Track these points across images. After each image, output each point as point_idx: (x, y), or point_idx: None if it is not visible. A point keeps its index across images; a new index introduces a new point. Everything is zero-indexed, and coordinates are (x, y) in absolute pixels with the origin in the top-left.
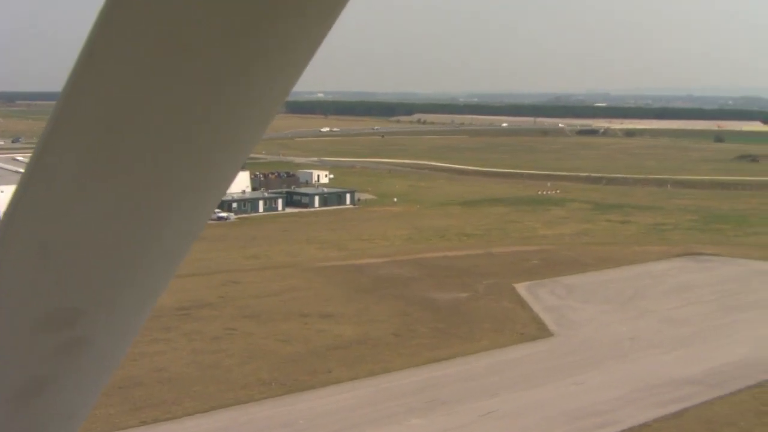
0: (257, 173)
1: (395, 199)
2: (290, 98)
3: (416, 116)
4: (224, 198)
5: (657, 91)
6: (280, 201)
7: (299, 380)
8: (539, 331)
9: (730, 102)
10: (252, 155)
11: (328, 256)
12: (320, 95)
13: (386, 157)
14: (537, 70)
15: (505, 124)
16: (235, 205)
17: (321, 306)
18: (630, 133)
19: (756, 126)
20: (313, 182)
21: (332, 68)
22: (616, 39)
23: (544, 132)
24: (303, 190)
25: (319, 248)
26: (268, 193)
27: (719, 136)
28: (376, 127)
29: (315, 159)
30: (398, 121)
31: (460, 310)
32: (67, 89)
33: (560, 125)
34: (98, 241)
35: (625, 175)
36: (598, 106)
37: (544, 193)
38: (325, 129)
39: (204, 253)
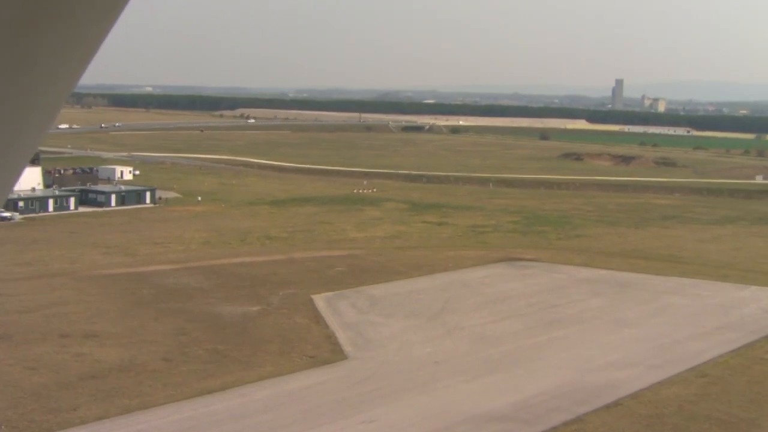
0: (53, 169)
1: (199, 198)
2: (113, 91)
3: (240, 111)
4: (10, 196)
5: (485, 89)
6: (72, 200)
7: (36, 421)
8: (332, 353)
9: (556, 101)
10: (57, 149)
11: (111, 263)
12: (149, 89)
13: (203, 152)
14: (367, 66)
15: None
16: (21, 203)
17: (88, 324)
18: (455, 130)
19: (581, 124)
20: (116, 179)
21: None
22: (443, 37)
23: (368, 128)
24: (98, 187)
25: (104, 253)
26: (60, 190)
27: (544, 134)
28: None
29: (125, 154)
30: (221, 116)
31: (247, 327)
32: None
33: (389, 122)
34: None
35: (446, 173)
36: (426, 103)
37: (360, 191)
38: (119, 124)
39: None
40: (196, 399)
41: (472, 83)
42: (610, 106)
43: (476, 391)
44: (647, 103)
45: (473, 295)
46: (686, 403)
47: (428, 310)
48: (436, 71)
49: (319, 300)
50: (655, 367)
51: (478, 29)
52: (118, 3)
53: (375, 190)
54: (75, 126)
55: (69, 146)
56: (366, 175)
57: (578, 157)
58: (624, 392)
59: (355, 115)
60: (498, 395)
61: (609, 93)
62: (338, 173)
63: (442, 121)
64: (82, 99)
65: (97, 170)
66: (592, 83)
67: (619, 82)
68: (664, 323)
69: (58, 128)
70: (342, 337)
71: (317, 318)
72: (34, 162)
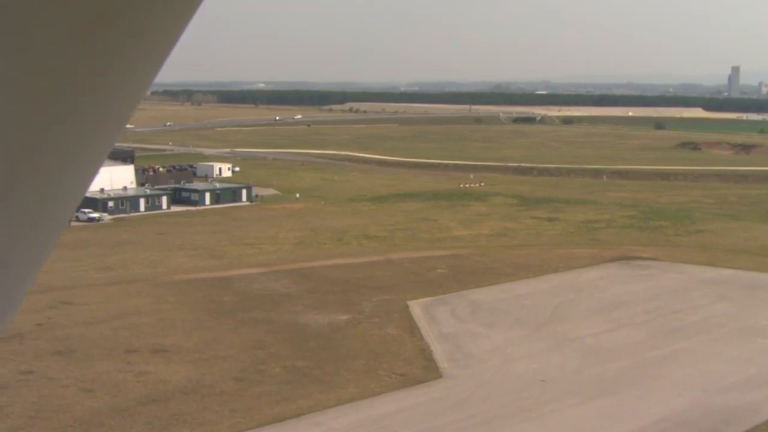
0: (148, 167)
1: (297, 195)
2: (224, 88)
3: (348, 105)
4: (100, 196)
5: (598, 79)
6: (164, 199)
7: None
8: (425, 370)
9: (671, 89)
10: (158, 146)
11: (196, 266)
12: (261, 85)
13: (308, 147)
14: (479, 59)
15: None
16: (111, 203)
17: (159, 336)
18: (567, 121)
19: (697, 112)
20: (214, 176)
21: (274, 59)
22: (557, 27)
23: (478, 120)
24: (193, 185)
25: (190, 256)
26: (152, 189)
27: (659, 123)
28: (297, 116)
29: (227, 150)
30: (330, 110)
31: (333, 340)
32: None
33: (500, 114)
34: None
35: (558, 165)
36: (538, 93)
37: (467, 186)
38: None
39: (52, 263)
40: (264, 429)
41: (585, 74)
42: (726, 93)
43: (587, 417)
44: (765, 90)
45: (585, 300)
46: None
47: (535, 318)
48: (548, 62)
49: (416, 307)
50: None
51: (589, 20)
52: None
53: (482, 184)
54: (169, 123)
55: (170, 143)
56: (474, 168)
57: (695, 146)
58: (762, 417)
59: (465, 107)
60: (613, 423)
61: (725, 81)
62: (445, 167)
63: (553, 111)
64: (192, 96)
65: (194, 167)
66: (707, 71)
67: (735, 69)
68: None
69: (166, 125)
70: (437, 350)
71: (412, 328)
72: (127, 160)
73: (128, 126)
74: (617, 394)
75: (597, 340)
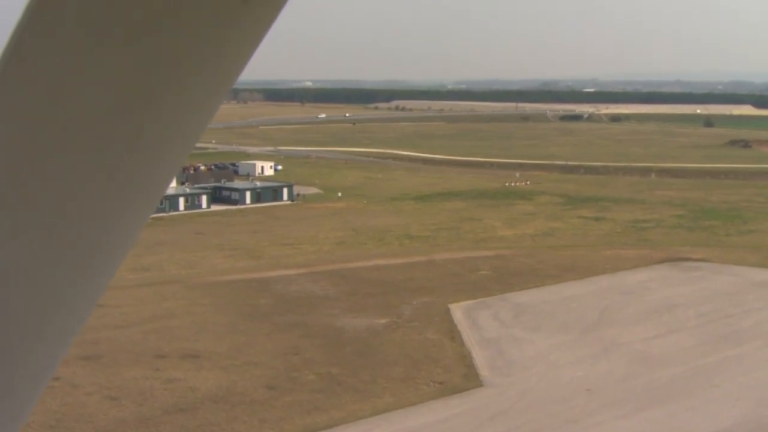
0: (189, 165)
1: (339, 194)
2: (271, 86)
3: (395, 103)
4: None
5: (646, 76)
6: (204, 198)
7: None
8: (465, 378)
9: (720, 87)
10: (202, 144)
11: (233, 267)
12: (308, 83)
13: (352, 145)
14: (526, 56)
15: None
16: None
17: (190, 341)
18: (615, 118)
19: (747, 110)
20: (257, 174)
21: (323, 58)
22: (605, 25)
23: (525, 117)
24: (233, 184)
25: (227, 256)
26: (191, 188)
27: (709, 121)
28: (321, 116)
29: (270, 148)
30: (376, 108)
31: (370, 345)
32: None
33: (547, 111)
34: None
35: (605, 163)
36: (585, 91)
37: (512, 184)
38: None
39: None
40: None
41: (633, 71)
42: None
43: (635, 430)
44: None
45: (633, 303)
46: None
47: (581, 323)
48: (596, 60)
49: (457, 310)
50: None
51: (637, 17)
52: (275, 5)
53: (528, 182)
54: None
55: (213, 141)
56: (519, 166)
57: (746, 143)
58: None
59: (512, 105)
60: None
61: None
62: (490, 165)
63: (601, 109)
64: (238, 94)
65: (236, 166)
66: (756, 68)
67: None
68: None
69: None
70: (479, 357)
71: (452, 333)
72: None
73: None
74: (667, 405)
75: (645, 345)
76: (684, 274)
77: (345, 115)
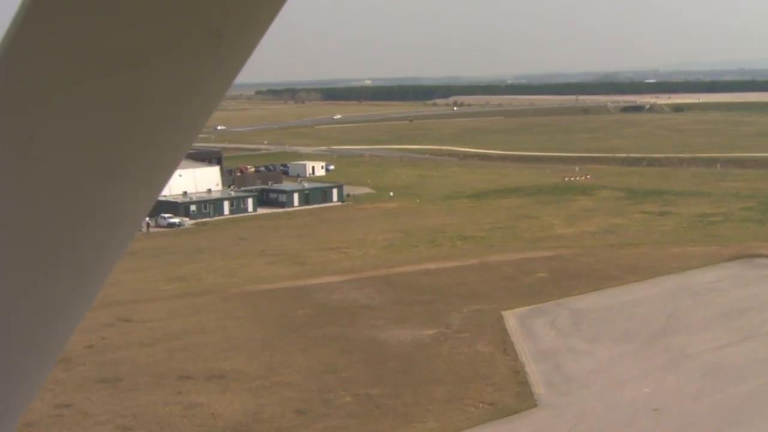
0: (236, 167)
1: (391, 194)
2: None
3: (453, 99)
4: (182, 200)
5: (707, 66)
6: (250, 201)
7: None
8: (518, 397)
9: None
10: (254, 146)
11: (274, 275)
12: (367, 82)
13: (409, 143)
14: (586, 49)
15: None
16: (193, 207)
17: (218, 359)
18: (678, 109)
19: None
20: (307, 175)
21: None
22: (665, 15)
23: (585, 110)
24: (281, 186)
25: (270, 263)
26: (237, 191)
27: None
28: (337, 116)
29: (324, 148)
30: (434, 104)
31: (414, 360)
32: None
33: (607, 103)
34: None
35: (668, 155)
36: (646, 82)
37: (572, 179)
38: (338, 116)
39: (120, 273)
40: None
41: (694, 61)
42: None
43: None
44: None
45: (703, 306)
46: None
47: (646, 330)
48: (657, 50)
49: (511, 318)
50: None
51: (696, 7)
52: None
53: (589, 176)
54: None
55: (266, 142)
56: (579, 160)
57: None
58: None
59: (572, 98)
60: None
61: None
62: (549, 159)
63: (663, 99)
64: (295, 94)
65: (287, 167)
66: None
67: None
68: None
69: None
70: (533, 372)
71: (505, 344)
72: (213, 161)
73: (221, 127)
74: (744, 427)
75: (718, 356)
76: (756, 272)
77: (333, 117)
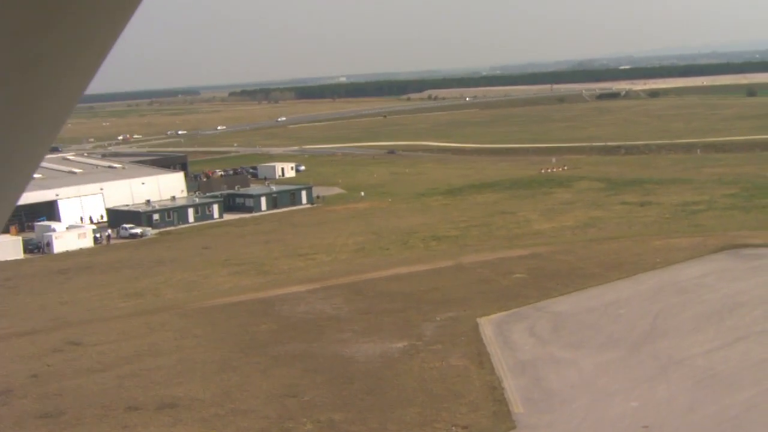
0: (202, 172)
1: (362, 194)
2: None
3: (427, 93)
4: (144, 209)
5: (681, 50)
6: (216, 207)
7: None
8: (494, 418)
9: (757, 55)
10: (224, 148)
11: (237, 286)
12: (342, 79)
13: (383, 140)
14: (559, 37)
15: (468, 98)
16: (156, 216)
17: (171, 385)
18: (654, 94)
19: None
20: (277, 177)
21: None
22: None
23: (561, 99)
24: (247, 190)
25: (233, 273)
26: (201, 197)
27: (751, 90)
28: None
29: (296, 148)
30: (408, 99)
31: (382, 378)
32: None
33: (582, 91)
34: None
35: (647, 142)
36: (621, 69)
37: (549, 171)
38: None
39: (74, 291)
40: None
41: (668, 46)
42: None
43: None
44: None
45: (691, 305)
46: None
47: (631, 333)
48: (630, 37)
49: (487, 325)
50: None
51: None
52: (128, 6)
53: (566, 167)
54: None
55: (235, 144)
56: (556, 150)
57: None
58: None
59: (547, 87)
60: None
61: None
62: (525, 151)
63: (639, 85)
64: (269, 94)
65: (256, 169)
66: None
67: None
68: None
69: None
70: (511, 388)
71: (481, 356)
72: (178, 167)
73: (182, 131)
74: None
75: (710, 360)
76: (745, 263)
77: (278, 120)
